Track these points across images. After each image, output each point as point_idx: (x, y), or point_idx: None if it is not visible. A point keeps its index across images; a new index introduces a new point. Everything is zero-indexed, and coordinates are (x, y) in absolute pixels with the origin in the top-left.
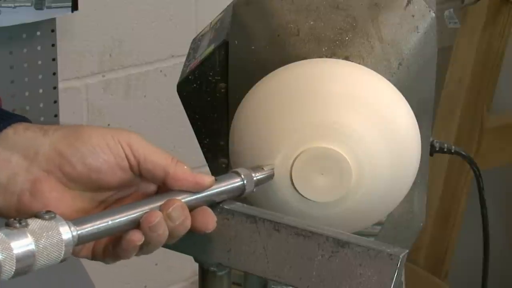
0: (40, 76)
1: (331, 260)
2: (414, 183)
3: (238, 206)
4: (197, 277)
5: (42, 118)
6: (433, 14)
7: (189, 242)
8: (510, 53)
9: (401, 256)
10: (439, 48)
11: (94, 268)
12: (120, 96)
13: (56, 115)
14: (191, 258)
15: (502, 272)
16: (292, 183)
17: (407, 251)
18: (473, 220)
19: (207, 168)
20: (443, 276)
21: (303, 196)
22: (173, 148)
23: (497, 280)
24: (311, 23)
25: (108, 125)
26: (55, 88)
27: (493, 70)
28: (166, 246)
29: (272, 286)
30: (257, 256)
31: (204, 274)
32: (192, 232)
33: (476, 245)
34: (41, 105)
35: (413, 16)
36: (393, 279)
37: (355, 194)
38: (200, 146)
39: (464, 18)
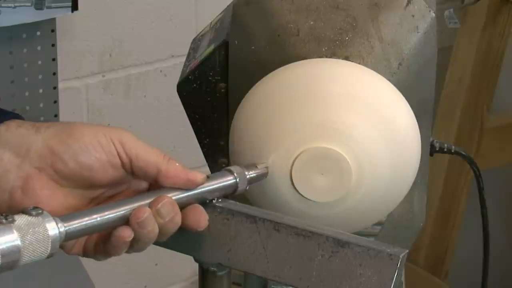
0: (40, 76)
1: (331, 260)
2: (414, 183)
3: (238, 206)
4: (197, 277)
5: (42, 118)
6: (433, 14)
7: (188, 242)
8: (510, 53)
9: (401, 256)
10: (439, 48)
11: (94, 268)
12: (120, 96)
13: (56, 115)
14: (191, 258)
15: (502, 272)
16: (292, 183)
17: (407, 251)
18: (473, 220)
19: (207, 168)
20: (443, 276)
21: (303, 196)
22: (173, 148)
23: (497, 280)
24: (311, 23)
25: (108, 125)
26: (55, 88)
27: (493, 70)
28: (166, 246)
29: (272, 286)
30: (257, 256)
31: (204, 274)
32: (191, 232)
33: (476, 245)
34: (41, 105)
35: (413, 16)
36: (393, 279)
37: (355, 194)
38: (200, 146)
39: (464, 18)
